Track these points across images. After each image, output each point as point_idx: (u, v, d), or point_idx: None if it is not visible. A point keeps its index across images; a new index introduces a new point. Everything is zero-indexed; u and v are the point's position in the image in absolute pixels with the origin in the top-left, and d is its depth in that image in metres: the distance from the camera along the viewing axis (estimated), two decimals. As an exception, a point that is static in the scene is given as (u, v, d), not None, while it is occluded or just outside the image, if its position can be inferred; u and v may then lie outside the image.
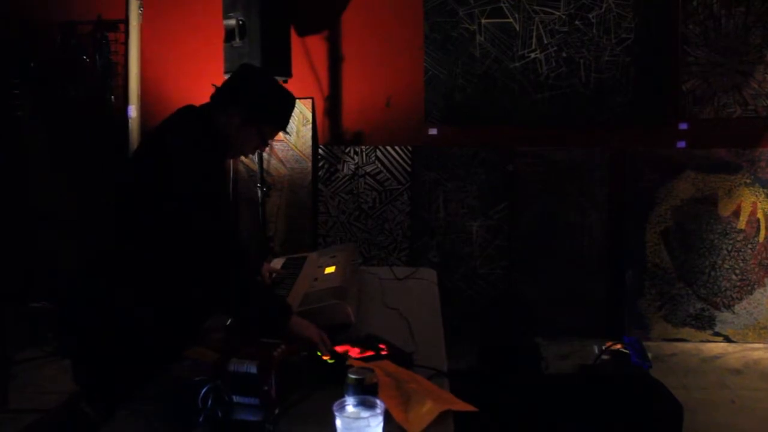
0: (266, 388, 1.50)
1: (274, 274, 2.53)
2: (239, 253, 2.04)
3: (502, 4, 4.42)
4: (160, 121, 2.04)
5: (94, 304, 1.95)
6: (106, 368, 1.92)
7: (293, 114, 2.21)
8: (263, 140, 2.13)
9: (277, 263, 2.72)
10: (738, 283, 4.36)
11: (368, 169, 4.53)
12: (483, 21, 4.44)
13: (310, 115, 4.49)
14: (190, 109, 2.05)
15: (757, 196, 4.34)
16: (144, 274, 1.92)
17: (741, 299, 4.36)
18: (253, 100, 2.04)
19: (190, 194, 1.85)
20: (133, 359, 1.84)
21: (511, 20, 4.43)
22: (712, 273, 4.38)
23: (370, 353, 1.84)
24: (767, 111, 4.38)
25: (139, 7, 4.40)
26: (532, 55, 4.44)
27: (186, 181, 1.86)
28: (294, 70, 4.00)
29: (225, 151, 2.08)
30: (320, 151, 4.54)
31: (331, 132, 4.59)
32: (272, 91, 2.09)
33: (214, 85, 2.12)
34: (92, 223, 3.96)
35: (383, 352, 1.84)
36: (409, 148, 4.51)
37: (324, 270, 2.42)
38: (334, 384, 1.54)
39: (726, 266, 4.37)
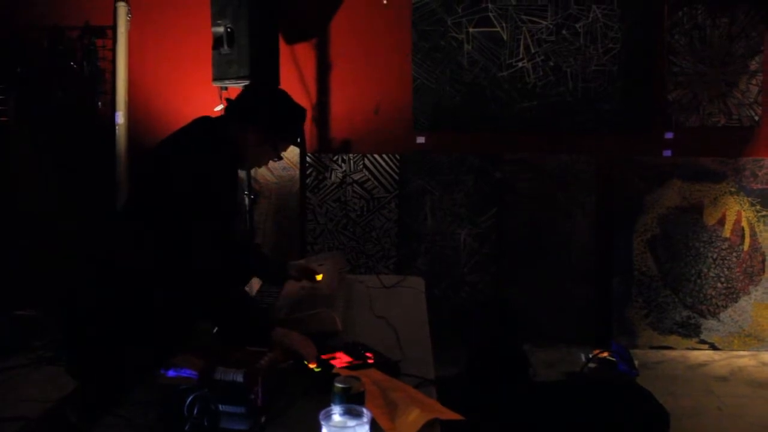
0: (253, 396, 1.49)
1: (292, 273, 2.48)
2: (230, 263, 2.05)
3: (489, 14, 4.44)
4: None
5: (90, 305, 1.97)
6: (101, 367, 1.94)
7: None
8: (277, 154, 2.19)
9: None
10: (723, 291, 4.39)
11: (356, 177, 4.53)
12: (471, 30, 4.46)
13: (298, 123, 4.48)
14: (204, 119, 2.10)
15: (741, 204, 4.38)
16: (139, 277, 1.93)
17: (726, 307, 4.39)
18: (273, 121, 2.10)
19: (191, 201, 1.89)
20: (125, 360, 1.86)
21: (499, 29, 4.45)
22: (698, 281, 4.41)
23: (356, 362, 1.83)
24: (751, 120, 4.43)
25: (128, 14, 4.39)
26: (520, 64, 4.46)
27: (189, 188, 1.89)
28: (282, 77, 4.00)
29: (237, 163, 2.13)
30: (308, 158, 4.53)
31: (319, 140, 4.59)
32: (290, 111, 2.15)
33: (227, 99, 2.16)
34: (85, 228, 3.95)
35: (370, 361, 1.84)
36: (397, 156, 4.52)
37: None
38: (321, 392, 1.53)
39: (711, 274, 4.40)
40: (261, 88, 2.23)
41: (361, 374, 1.61)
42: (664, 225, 4.42)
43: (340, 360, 1.84)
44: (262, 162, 2.25)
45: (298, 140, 2.25)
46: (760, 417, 3.46)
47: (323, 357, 1.84)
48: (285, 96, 2.17)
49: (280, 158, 2.23)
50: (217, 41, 3.76)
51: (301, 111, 2.18)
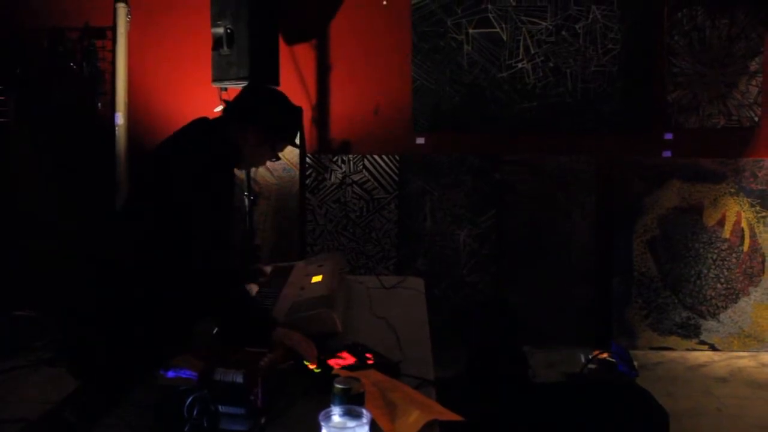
0: (252, 397, 1.49)
1: (261, 279, 2.53)
2: (230, 262, 2.06)
3: (489, 15, 4.45)
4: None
5: (90, 305, 1.99)
6: (101, 367, 1.94)
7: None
8: (275, 154, 2.21)
9: (264, 272, 2.71)
10: (723, 292, 4.39)
11: (356, 177, 4.53)
12: (470, 31, 4.46)
13: (298, 124, 4.48)
14: (203, 120, 2.11)
15: (741, 205, 4.38)
16: (139, 277, 1.95)
17: (726, 308, 4.39)
18: (272, 123, 2.12)
19: (191, 201, 1.90)
20: (125, 361, 1.86)
21: (499, 30, 4.45)
22: (698, 282, 4.41)
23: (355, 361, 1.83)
24: (751, 121, 4.43)
25: (127, 15, 4.39)
26: (520, 64, 4.47)
27: (189, 189, 1.90)
28: (282, 78, 4.01)
29: (235, 163, 2.14)
30: (308, 159, 4.53)
31: (319, 140, 4.59)
32: (289, 113, 2.19)
33: (225, 100, 2.19)
34: (85, 228, 3.95)
35: (370, 362, 1.84)
36: (397, 157, 4.52)
37: (311, 279, 2.42)
38: (321, 393, 1.53)
39: (711, 275, 4.40)
40: (260, 89, 2.25)
41: (360, 375, 1.61)
42: (663, 226, 4.42)
43: (345, 360, 1.84)
44: (260, 162, 2.27)
45: (296, 140, 2.27)
46: (759, 418, 3.46)
47: (329, 357, 1.84)
48: (283, 97, 2.19)
49: (278, 158, 2.25)
50: (217, 42, 3.77)
51: (299, 111, 2.21)
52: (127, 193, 4.22)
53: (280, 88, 4.03)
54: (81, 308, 2.03)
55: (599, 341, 4.32)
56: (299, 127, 2.27)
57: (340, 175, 4.53)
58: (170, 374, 1.52)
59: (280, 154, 2.25)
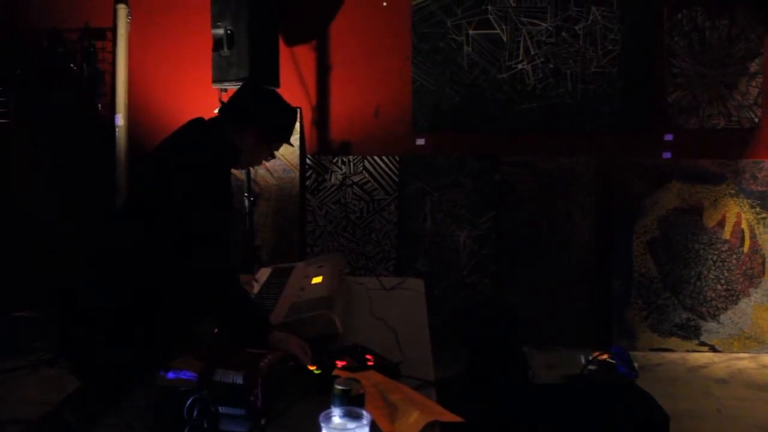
0: (252, 398, 1.49)
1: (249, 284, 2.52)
2: (230, 262, 2.06)
3: (489, 16, 4.45)
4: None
5: (90, 305, 1.99)
6: (101, 368, 1.94)
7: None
8: (272, 154, 2.22)
9: (264, 273, 2.71)
10: (723, 293, 4.39)
11: (356, 178, 4.53)
12: (470, 32, 4.46)
13: (297, 125, 4.48)
14: (200, 120, 2.12)
15: (741, 206, 4.38)
16: (139, 277, 1.94)
17: (726, 309, 4.39)
18: (272, 123, 2.14)
19: (190, 201, 1.90)
20: (125, 361, 1.86)
21: (499, 31, 4.46)
22: (698, 283, 4.40)
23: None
24: (751, 122, 4.43)
25: (128, 15, 4.39)
26: (520, 66, 4.47)
27: (188, 189, 1.91)
28: (282, 79, 4.01)
29: (233, 163, 2.15)
30: (308, 160, 4.53)
31: (319, 142, 4.59)
32: (285, 113, 2.20)
33: (221, 100, 2.20)
34: (85, 228, 3.95)
35: (370, 363, 1.84)
36: (397, 158, 4.52)
37: (311, 280, 2.42)
38: (321, 394, 1.53)
39: (711, 276, 4.40)
40: (258, 89, 2.25)
41: (360, 376, 1.61)
42: (663, 227, 4.42)
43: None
44: (257, 161, 2.28)
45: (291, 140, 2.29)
46: (759, 419, 3.46)
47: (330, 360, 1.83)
48: (280, 97, 2.21)
49: (274, 157, 2.26)
50: (217, 43, 3.77)
51: (296, 111, 2.23)
52: (126, 194, 4.23)
53: (280, 89, 4.04)
54: (81, 308, 2.03)
55: (599, 342, 4.32)
56: (293, 126, 2.28)
57: (340, 176, 4.53)
58: (170, 375, 1.52)
59: (280, 155, 2.26)
